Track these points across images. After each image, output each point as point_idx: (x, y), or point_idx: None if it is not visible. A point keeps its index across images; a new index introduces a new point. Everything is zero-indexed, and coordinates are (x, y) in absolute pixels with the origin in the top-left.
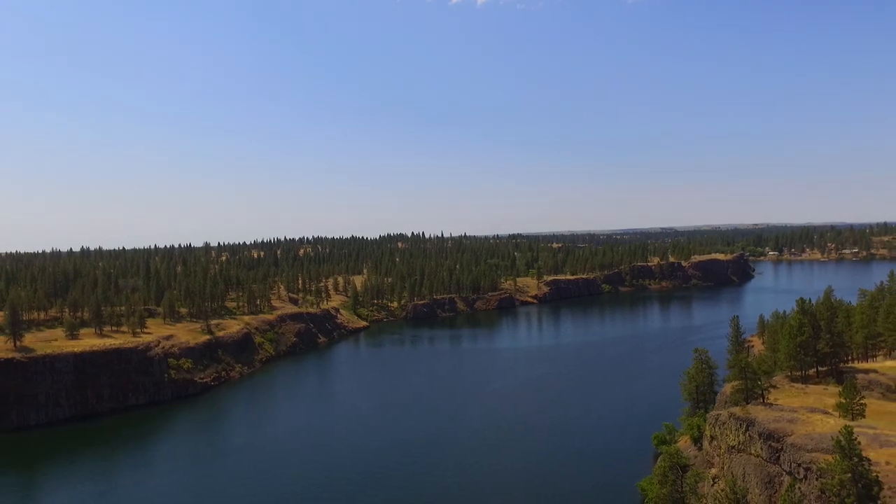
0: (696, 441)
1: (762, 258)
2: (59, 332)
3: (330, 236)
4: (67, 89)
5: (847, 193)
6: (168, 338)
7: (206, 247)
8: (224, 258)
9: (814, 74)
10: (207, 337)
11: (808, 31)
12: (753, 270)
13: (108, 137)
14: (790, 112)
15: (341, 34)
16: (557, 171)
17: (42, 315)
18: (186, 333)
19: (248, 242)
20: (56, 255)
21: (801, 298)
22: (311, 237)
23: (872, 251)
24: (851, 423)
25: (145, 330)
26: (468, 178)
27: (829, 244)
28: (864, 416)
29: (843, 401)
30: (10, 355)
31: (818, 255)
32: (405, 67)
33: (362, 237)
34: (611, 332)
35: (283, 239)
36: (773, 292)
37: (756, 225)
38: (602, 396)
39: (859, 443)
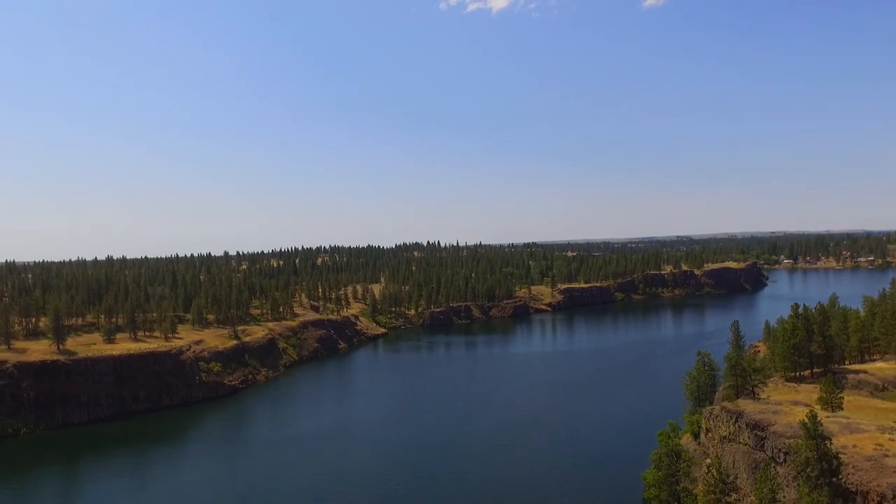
0: (696, 436)
1: (777, 266)
2: (97, 336)
3: (346, 245)
4: (76, 95)
5: (866, 201)
6: (198, 342)
7: (226, 256)
8: (244, 267)
9: (835, 80)
10: (235, 342)
11: (826, 36)
12: (766, 278)
13: (120, 147)
14: (809, 118)
15: (356, 44)
16: (573, 179)
17: (79, 321)
18: (215, 338)
19: (265, 251)
20: (81, 264)
21: (796, 304)
22: (327, 246)
23: (888, 259)
24: (831, 414)
25: (176, 335)
26: (484, 187)
27: (844, 252)
28: (842, 409)
29: (824, 395)
30: (54, 357)
31: (833, 264)
32: (419, 76)
33: (378, 246)
34: (623, 338)
35: (300, 248)
36: (785, 300)
37: (773, 233)
38: (614, 398)
39: (821, 423)
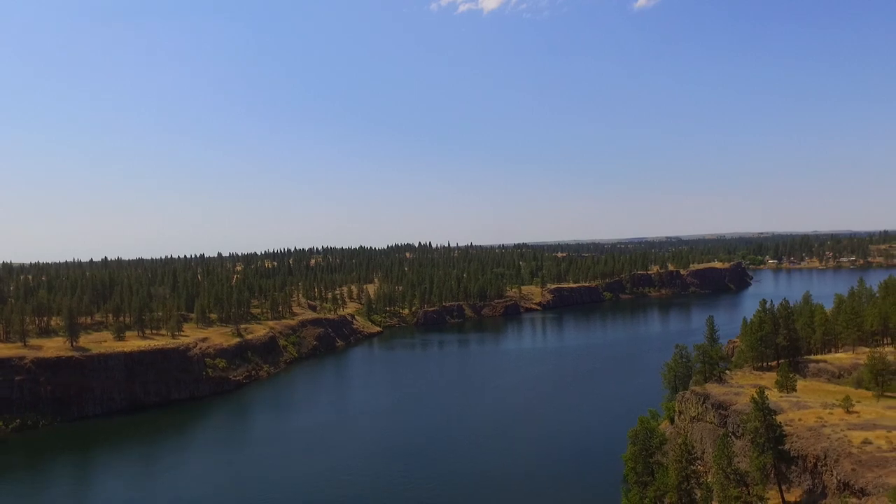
0: (672, 420)
1: (762, 266)
2: (107, 334)
3: (338, 246)
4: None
5: (853, 202)
6: (203, 340)
7: (220, 257)
8: (239, 268)
9: (825, 82)
10: (238, 340)
11: (815, 39)
12: (751, 278)
13: (113, 149)
14: (802, 120)
15: (347, 46)
16: (563, 180)
17: (88, 320)
18: (219, 336)
19: (258, 252)
20: (77, 265)
21: (763, 300)
22: (320, 247)
23: (869, 259)
24: (785, 395)
25: (182, 333)
26: (474, 189)
27: (827, 252)
28: (795, 391)
29: (780, 379)
30: (69, 354)
31: (816, 264)
32: (409, 77)
33: (370, 247)
34: (611, 335)
35: (292, 249)
36: (767, 298)
37: (761, 233)
38: (601, 391)
39: (768, 398)
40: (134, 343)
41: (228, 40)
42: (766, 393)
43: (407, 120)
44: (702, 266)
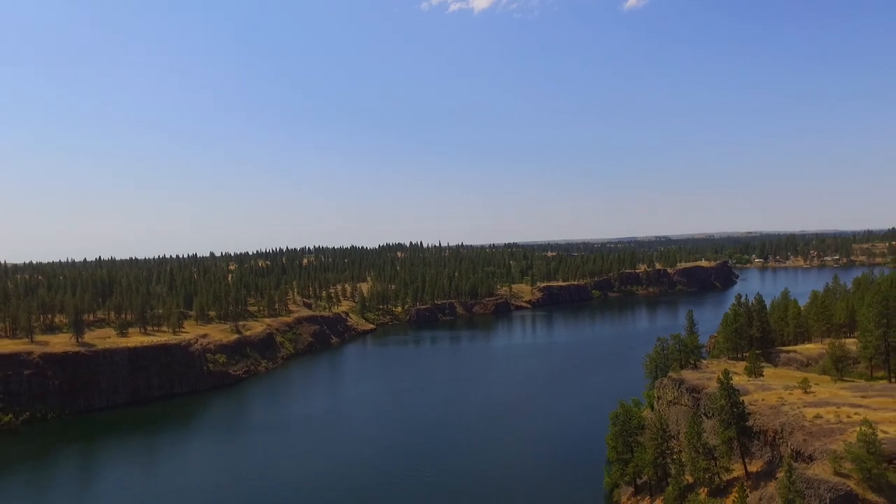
0: (653, 407)
1: (748, 265)
2: (110, 330)
3: (330, 246)
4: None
5: (840, 202)
6: (203, 336)
7: (213, 256)
8: (233, 267)
9: (813, 82)
10: (236, 336)
11: (805, 39)
12: (737, 277)
13: (109, 150)
14: (790, 122)
15: (337, 47)
16: (554, 180)
17: (90, 317)
18: (218, 333)
19: (250, 252)
20: (71, 265)
21: (739, 295)
22: (311, 247)
23: (852, 258)
24: (752, 379)
25: (183, 329)
26: (465, 189)
27: (812, 251)
28: (762, 376)
29: (748, 365)
30: (75, 349)
31: (801, 263)
32: (400, 77)
33: (362, 247)
34: (599, 332)
35: (284, 249)
36: (751, 296)
37: (749, 233)
38: (588, 383)
39: (732, 378)
40: (137, 339)
41: (221, 40)
42: (736, 378)
43: (396, 120)
44: (688, 265)
